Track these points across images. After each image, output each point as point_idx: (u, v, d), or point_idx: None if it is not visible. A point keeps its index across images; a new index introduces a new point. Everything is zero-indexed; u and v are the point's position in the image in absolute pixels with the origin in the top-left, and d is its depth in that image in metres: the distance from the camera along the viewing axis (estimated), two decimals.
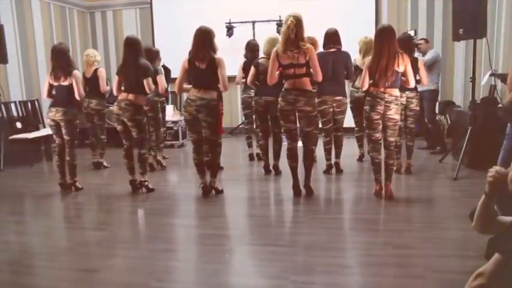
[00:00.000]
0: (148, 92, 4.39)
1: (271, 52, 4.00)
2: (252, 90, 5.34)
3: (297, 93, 3.93)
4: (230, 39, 7.44)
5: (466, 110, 5.44)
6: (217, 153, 4.31)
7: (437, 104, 6.42)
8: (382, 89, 3.83)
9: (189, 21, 8.01)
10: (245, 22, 7.70)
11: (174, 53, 7.41)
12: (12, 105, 6.50)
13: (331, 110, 4.84)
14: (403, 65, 3.82)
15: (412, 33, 5.51)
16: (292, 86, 3.95)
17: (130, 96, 4.35)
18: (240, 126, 8.15)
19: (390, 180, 4.02)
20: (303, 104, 3.93)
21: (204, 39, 3.97)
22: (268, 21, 7.49)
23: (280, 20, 7.31)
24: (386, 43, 3.75)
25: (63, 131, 4.53)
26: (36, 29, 7.37)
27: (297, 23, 3.78)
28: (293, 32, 3.78)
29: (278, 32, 7.13)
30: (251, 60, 5.25)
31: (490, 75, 4.85)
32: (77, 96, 4.52)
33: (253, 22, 7.67)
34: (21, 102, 6.66)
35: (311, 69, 3.92)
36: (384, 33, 3.78)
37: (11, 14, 6.79)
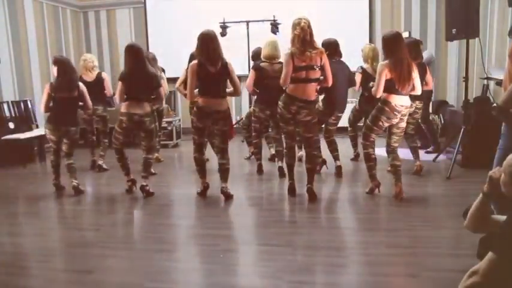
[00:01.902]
0: (161, 99, 4.39)
1: (284, 55, 3.87)
2: None
3: (300, 105, 3.87)
4: (224, 39, 7.42)
5: (459, 110, 5.48)
6: (228, 159, 4.22)
7: (430, 103, 6.45)
8: (400, 102, 3.80)
9: (182, 20, 8.05)
10: (239, 22, 7.69)
11: (167, 53, 7.44)
12: (5, 106, 6.45)
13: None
14: (415, 71, 3.84)
15: (406, 34, 5.54)
16: (299, 94, 3.85)
17: (144, 108, 4.27)
18: (235, 126, 8.15)
19: (401, 181, 4.00)
20: (304, 116, 3.92)
21: (214, 43, 3.91)
22: (263, 21, 7.49)
23: (274, 20, 7.31)
24: (404, 48, 3.76)
25: (65, 142, 4.55)
26: (28, 28, 7.31)
27: (309, 24, 3.78)
28: (308, 33, 3.76)
29: (273, 32, 7.14)
30: None
31: (485, 77, 4.88)
32: (89, 107, 4.71)
33: (247, 22, 7.66)
34: (14, 103, 6.61)
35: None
36: (400, 39, 3.78)
37: (3, 13, 6.73)
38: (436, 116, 6.82)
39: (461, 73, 5.80)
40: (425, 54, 5.98)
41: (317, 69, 3.83)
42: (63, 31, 8.35)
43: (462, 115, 4.97)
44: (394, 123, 3.89)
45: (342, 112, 4.94)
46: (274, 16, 7.29)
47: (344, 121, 5.59)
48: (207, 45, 3.89)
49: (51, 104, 4.47)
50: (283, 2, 7.51)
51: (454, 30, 4.84)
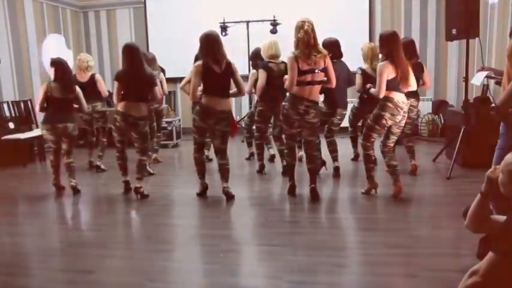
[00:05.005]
0: (156, 99, 4.40)
1: (288, 58, 3.80)
2: None
3: (308, 105, 3.87)
4: (224, 39, 7.39)
5: (459, 110, 5.47)
6: (227, 159, 4.23)
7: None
8: (402, 99, 3.82)
9: (182, 20, 8.05)
10: (239, 22, 7.69)
11: (167, 53, 7.43)
12: (5, 106, 6.45)
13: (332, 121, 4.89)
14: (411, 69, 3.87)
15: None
16: (305, 95, 3.86)
17: (140, 110, 4.27)
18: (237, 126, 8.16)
19: (400, 180, 4.00)
20: (312, 117, 3.93)
21: (219, 44, 3.95)
22: (262, 21, 7.49)
23: (274, 20, 7.31)
24: (401, 47, 3.78)
25: (64, 140, 4.54)
26: (28, 28, 7.30)
27: (313, 27, 3.77)
28: (312, 37, 3.75)
29: (273, 32, 7.14)
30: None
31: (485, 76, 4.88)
32: (84, 110, 4.75)
33: (247, 22, 7.66)
34: (14, 103, 6.61)
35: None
36: (398, 38, 3.81)
37: (3, 13, 6.73)
38: (436, 116, 6.83)
39: (461, 73, 5.79)
40: None
41: (320, 72, 3.83)
42: (63, 31, 8.35)
43: (462, 115, 4.96)
44: (397, 120, 3.88)
45: (345, 108, 4.91)
46: (274, 16, 7.29)
47: (344, 121, 5.59)
48: (212, 45, 3.92)
49: (45, 105, 4.51)
50: (283, 2, 7.50)
51: (454, 30, 4.84)
